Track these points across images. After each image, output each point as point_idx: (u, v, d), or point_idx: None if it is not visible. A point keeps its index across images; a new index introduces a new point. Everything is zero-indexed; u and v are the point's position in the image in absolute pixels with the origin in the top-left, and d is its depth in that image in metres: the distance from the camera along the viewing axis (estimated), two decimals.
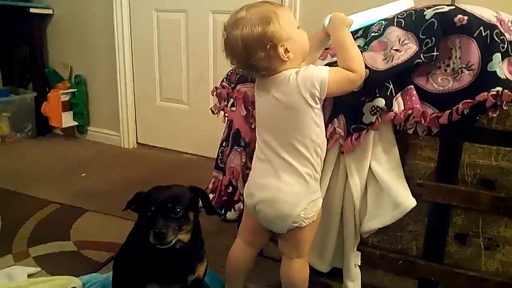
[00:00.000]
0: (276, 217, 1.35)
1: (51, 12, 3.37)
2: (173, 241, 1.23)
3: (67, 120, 3.35)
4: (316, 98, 1.29)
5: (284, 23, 1.28)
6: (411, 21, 1.43)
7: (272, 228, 1.41)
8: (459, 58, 1.34)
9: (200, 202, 1.36)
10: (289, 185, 1.32)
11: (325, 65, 1.37)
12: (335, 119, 1.42)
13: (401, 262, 1.54)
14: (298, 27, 1.34)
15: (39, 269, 1.71)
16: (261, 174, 1.38)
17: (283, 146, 1.32)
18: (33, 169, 2.78)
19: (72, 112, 3.38)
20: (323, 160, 1.37)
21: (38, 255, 1.82)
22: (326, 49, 1.51)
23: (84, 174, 2.71)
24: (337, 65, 1.32)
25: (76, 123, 3.41)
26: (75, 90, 3.32)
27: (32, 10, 3.24)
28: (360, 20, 1.47)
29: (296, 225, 1.34)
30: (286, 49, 1.28)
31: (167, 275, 1.30)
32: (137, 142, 3.34)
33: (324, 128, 1.35)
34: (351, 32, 1.41)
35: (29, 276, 1.66)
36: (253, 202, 1.38)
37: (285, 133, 1.32)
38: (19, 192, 2.40)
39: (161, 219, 1.21)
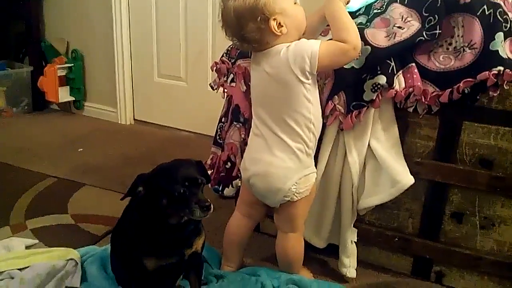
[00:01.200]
0: (267, 190, 1.38)
1: None
2: None
3: (64, 95, 3.31)
4: (307, 73, 1.28)
5: None
6: None
7: (266, 201, 1.43)
8: (462, 36, 1.33)
9: None
10: (281, 160, 1.33)
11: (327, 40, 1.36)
12: (336, 96, 1.42)
13: (397, 239, 1.55)
14: (295, 3, 1.33)
15: (37, 241, 1.72)
16: (256, 149, 1.40)
17: (276, 122, 1.33)
18: (29, 143, 2.76)
19: (68, 87, 3.33)
20: (316, 136, 1.37)
21: (36, 227, 1.82)
22: (328, 25, 1.49)
23: (81, 149, 2.70)
24: None
25: (72, 99, 3.38)
26: (72, 65, 3.28)
27: None
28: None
29: (287, 199, 1.36)
30: (280, 23, 1.28)
31: (165, 250, 1.31)
32: (134, 119, 3.32)
33: (318, 104, 1.35)
34: (352, 12, 1.40)
35: (27, 247, 1.66)
36: (247, 176, 1.41)
37: (277, 108, 1.33)
38: (15, 165, 2.39)
39: (199, 192, 1.22)
